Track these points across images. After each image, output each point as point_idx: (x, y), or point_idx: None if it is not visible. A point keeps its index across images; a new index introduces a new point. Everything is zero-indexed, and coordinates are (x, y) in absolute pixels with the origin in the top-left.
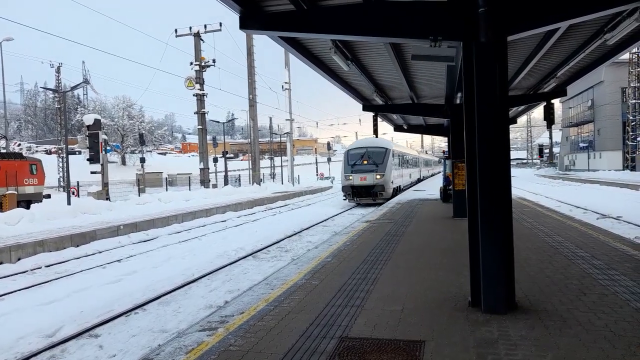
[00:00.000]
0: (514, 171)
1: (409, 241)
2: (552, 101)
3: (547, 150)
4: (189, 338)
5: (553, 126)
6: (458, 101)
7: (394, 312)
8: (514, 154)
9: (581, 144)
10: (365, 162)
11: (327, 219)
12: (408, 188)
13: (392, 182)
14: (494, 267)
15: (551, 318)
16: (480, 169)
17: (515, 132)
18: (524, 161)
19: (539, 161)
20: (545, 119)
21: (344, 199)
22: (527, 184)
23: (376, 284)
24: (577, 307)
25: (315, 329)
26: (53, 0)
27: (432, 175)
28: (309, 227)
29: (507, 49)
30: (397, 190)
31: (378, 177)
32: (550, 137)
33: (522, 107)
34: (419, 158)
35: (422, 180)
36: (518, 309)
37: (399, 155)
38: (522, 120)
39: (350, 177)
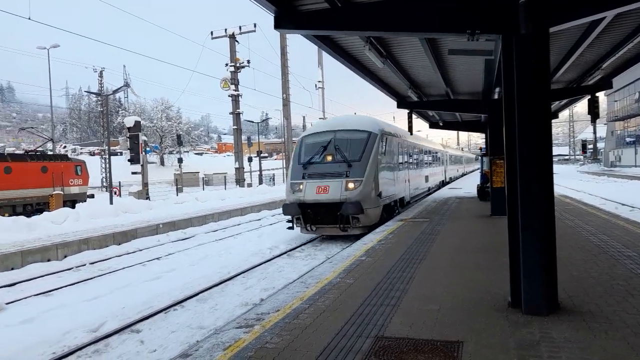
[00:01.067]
0: (555, 168)
1: (445, 240)
2: (597, 94)
3: (590, 146)
4: (226, 335)
5: (597, 120)
6: (496, 96)
7: (430, 312)
8: (555, 150)
9: (628, 139)
10: (330, 158)
11: None
12: (422, 198)
13: (380, 195)
14: (535, 267)
15: (596, 320)
16: (520, 166)
17: (557, 128)
18: (566, 157)
19: (582, 157)
20: (589, 113)
21: (289, 227)
22: (570, 181)
23: (412, 283)
24: (624, 309)
25: (350, 328)
26: (94, 6)
27: (463, 175)
28: None
29: (549, 40)
30: (398, 205)
31: (351, 186)
32: (594, 132)
33: (564, 101)
34: (443, 153)
35: (447, 183)
36: (561, 310)
37: (398, 146)
38: (564, 114)
39: (300, 187)
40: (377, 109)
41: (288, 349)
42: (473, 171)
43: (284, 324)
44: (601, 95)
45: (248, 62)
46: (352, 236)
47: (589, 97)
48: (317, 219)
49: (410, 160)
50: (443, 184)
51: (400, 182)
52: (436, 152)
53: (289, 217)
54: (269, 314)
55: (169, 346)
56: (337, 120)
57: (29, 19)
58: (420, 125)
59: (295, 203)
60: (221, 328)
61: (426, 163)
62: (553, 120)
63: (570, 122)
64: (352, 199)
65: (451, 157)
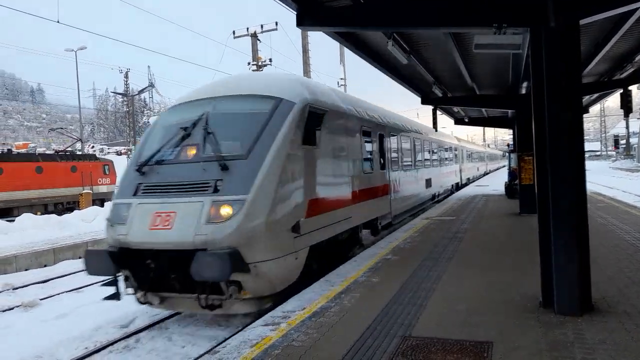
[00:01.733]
0: (587, 164)
1: (473, 238)
2: (630, 88)
3: (623, 141)
4: (253, 332)
5: (630, 115)
6: (524, 91)
7: (458, 312)
8: (586, 146)
9: None
10: (194, 152)
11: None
12: (424, 210)
13: (297, 228)
14: (568, 266)
15: (633, 321)
16: (551, 163)
17: (587, 123)
18: (597, 153)
19: (614, 153)
20: (621, 107)
21: (109, 297)
22: (602, 178)
23: (439, 282)
24: None
25: (377, 327)
26: (119, 8)
27: (485, 174)
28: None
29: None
30: (360, 235)
31: (224, 212)
32: (627, 127)
33: (595, 96)
34: (456, 148)
35: (463, 185)
36: (595, 311)
37: (361, 133)
38: (594, 109)
39: (126, 215)
40: (402, 106)
41: (314, 347)
42: (498, 169)
43: (310, 322)
44: (634, 89)
45: (270, 60)
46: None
47: (621, 90)
48: (162, 280)
49: (394, 157)
50: (457, 187)
51: (365, 196)
52: (445, 147)
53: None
54: (295, 312)
55: (197, 343)
56: (227, 82)
57: (58, 22)
58: (445, 122)
59: (106, 251)
60: (248, 325)
61: (427, 161)
62: (584, 115)
63: (602, 117)
64: (220, 242)
65: (469, 154)
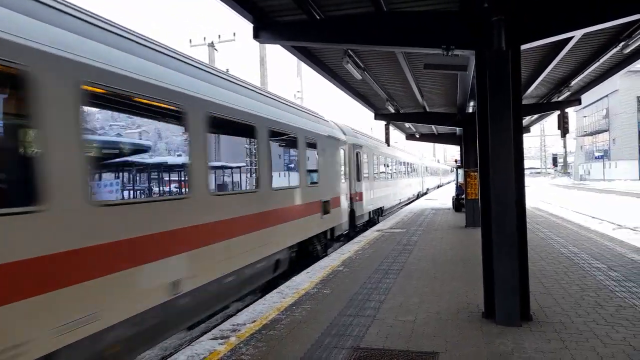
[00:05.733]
0: (527, 181)
1: (421, 251)
2: (566, 110)
3: (561, 160)
4: (201, 346)
5: (567, 135)
6: (471, 110)
7: (406, 323)
8: (527, 163)
9: (596, 154)
10: None
11: None
12: None
13: None
14: (509, 278)
15: (567, 330)
16: (493, 178)
17: (529, 142)
18: (538, 171)
19: (552, 171)
20: (559, 128)
21: None
22: (541, 194)
23: (388, 294)
24: (594, 320)
25: (327, 339)
26: None
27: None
28: None
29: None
30: None
31: None
32: (565, 147)
33: (535, 116)
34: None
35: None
36: (533, 321)
37: None
38: (535, 129)
39: None
40: (358, 119)
41: None
42: (407, 203)
43: (260, 335)
44: (571, 111)
45: (227, 70)
46: None
47: (559, 112)
48: None
49: None
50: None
51: None
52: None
53: None
54: (245, 325)
55: (145, 356)
56: None
57: None
58: (397, 137)
59: None
60: (196, 339)
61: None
62: (525, 135)
63: (542, 137)
64: None
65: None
